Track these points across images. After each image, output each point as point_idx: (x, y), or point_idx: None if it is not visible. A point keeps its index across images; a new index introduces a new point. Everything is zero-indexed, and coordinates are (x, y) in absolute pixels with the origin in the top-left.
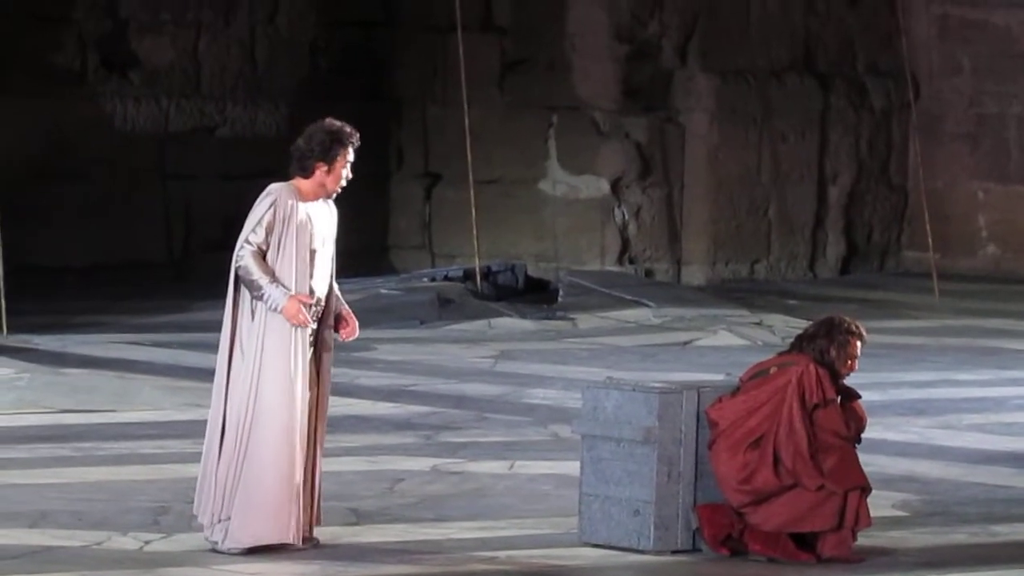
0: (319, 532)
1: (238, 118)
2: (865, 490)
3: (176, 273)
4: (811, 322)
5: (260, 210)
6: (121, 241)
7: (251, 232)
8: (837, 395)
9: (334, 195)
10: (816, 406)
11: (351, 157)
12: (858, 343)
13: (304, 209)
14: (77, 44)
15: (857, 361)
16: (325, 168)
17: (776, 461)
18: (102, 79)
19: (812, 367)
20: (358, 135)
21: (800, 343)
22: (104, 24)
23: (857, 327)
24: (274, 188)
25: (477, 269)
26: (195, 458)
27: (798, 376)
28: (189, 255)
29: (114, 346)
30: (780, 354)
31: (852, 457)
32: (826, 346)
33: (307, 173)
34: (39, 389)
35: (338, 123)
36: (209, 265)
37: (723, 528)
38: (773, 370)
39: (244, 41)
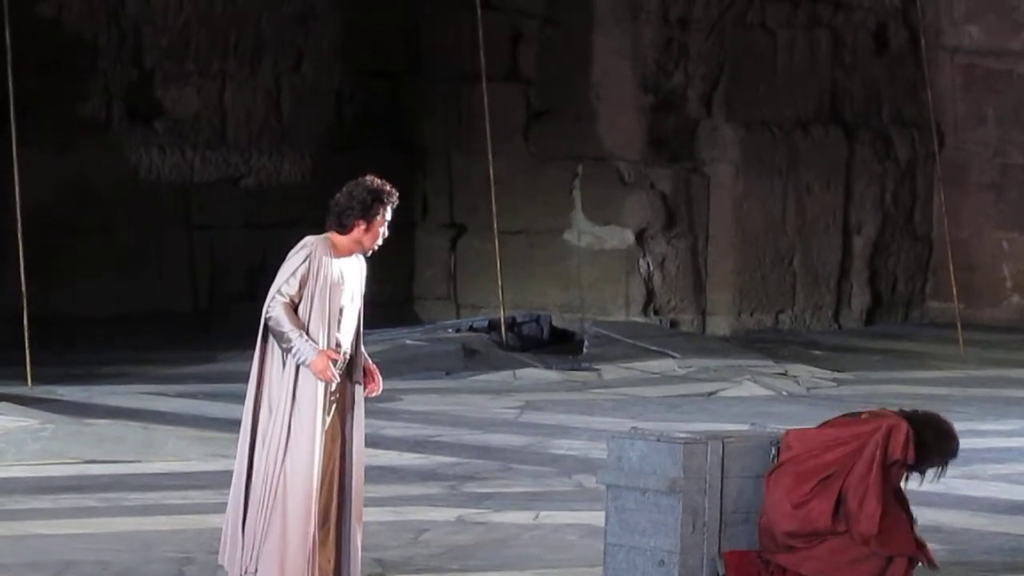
0: None
1: (263, 168)
2: (912, 561)
3: (201, 323)
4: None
5: (295, 262)
6: (147, 291)
7: (284, 283)
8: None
9: (370, 252)
10: (894, 463)
11: (389, 216)
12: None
13: (338, 265)
14: (103, 94)
15: None
16: (364, 226)
17: (838, 503)
18: (127, 129)
19: (905, 426)
20: (397, 195)
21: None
22: (130, 74)
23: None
24: (309, 241)
25: (502, 319)
26: (220, 509)
27: (888, 427)
28: (214, 305)
29: (139, 397)
30: (878, 410)
31: (906, 524)
32: (933, 453)
33: (345, 229)
34: (64, 439)
35: (379, 181)
36: (234, 315)
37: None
38: (864, 415)
39: (270, 90)
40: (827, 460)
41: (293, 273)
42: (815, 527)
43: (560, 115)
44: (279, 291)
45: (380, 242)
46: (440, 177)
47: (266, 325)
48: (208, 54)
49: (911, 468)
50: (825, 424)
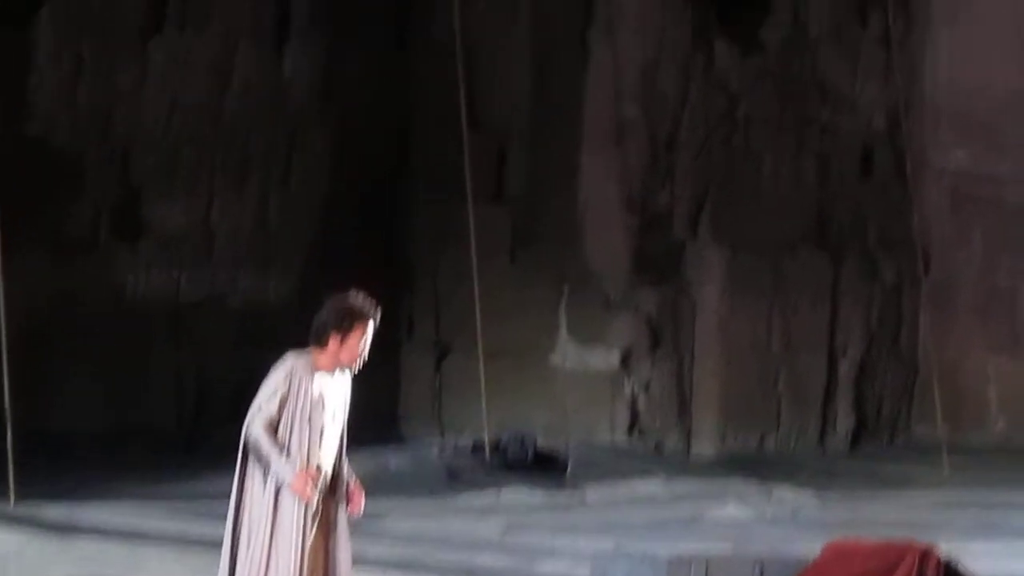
0: None
1: (250, 286)
2: None
3: (187, 442)
4: None
5: (275, 380)
6: (132, 409)
7: (265, 401)
8: None
9: (352, 369)
10: None
11: (370, 332)
12: None
13: (318, 382)
14: (91, 211)
15: None
16: (339, 340)
17: None
18: (114, 247)
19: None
20: (379, 312)
21: None
22: (117, 191)
23: None
24: (290, 357)
25: (487, 440)
26: None
27: (922, 553)
28: (200, 424)
29: (123, 515)
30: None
31: None
32: None
33: (322, 344)
34: (47, 559)
35: (360, 297)
36: (220, 434)
37: None
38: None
39: (256, 206)
40: (855, 572)
41: (273, 392)
42: None
43: (546, 235)
44: (259, 408)
45: (362, 358)
46: (426, 296)
47: (246, 444)
48: (196, 171)
49: None
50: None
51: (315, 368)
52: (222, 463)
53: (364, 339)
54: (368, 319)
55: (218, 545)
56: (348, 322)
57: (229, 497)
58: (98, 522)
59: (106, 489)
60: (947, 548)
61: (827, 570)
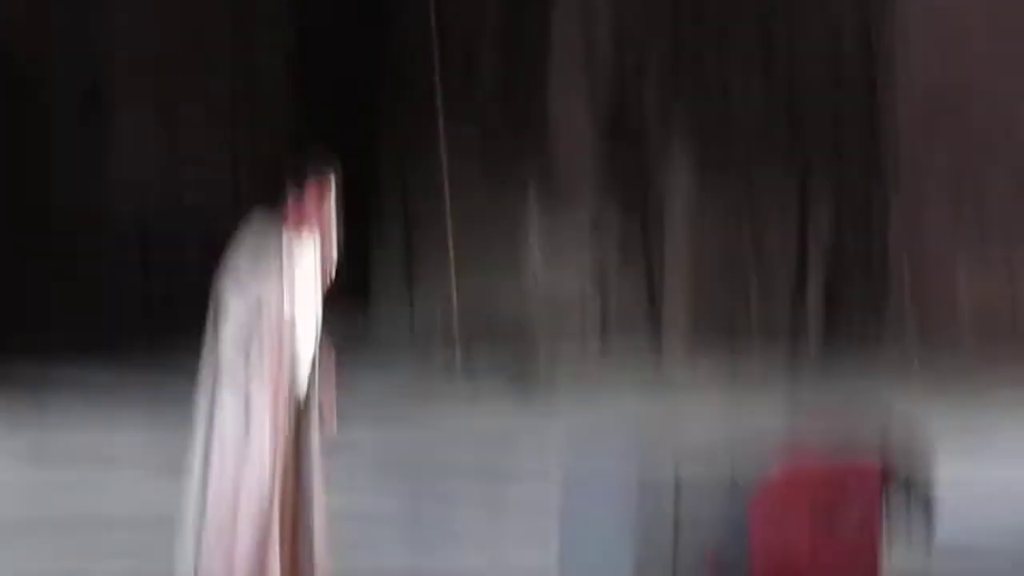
0: None
1: None
2: None
3: None
4: None
5: (247, 264)
6: None
7: (243, 279)
8: None
9: (320, 234)
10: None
11: (331, 194)
12: None
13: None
14: None
15: None
16: (298, 195)
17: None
18: None
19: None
20: (337, 171)
21: None
22: None
23: None
24: (257, 222)
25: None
26: None
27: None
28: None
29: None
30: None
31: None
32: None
33: (286, 210)
34: None
35: (316, 153)
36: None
37: None
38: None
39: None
40: (816, 496)
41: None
42: (805, 560)
43: (515, 152)
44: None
45: (330, 223)
46: (394, 212)
47: (215, 317)
48: None
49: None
50: (802, 456)
51: (288, 236)
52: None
53: (325, 196)
54: (324, 174)
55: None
56: (302, 175)
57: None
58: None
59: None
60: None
61: (789, 496)
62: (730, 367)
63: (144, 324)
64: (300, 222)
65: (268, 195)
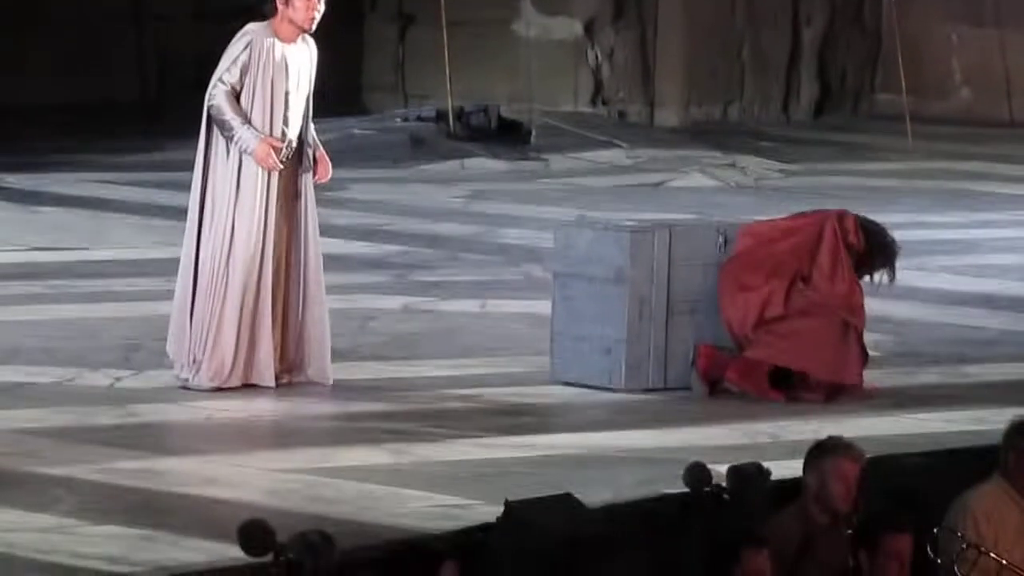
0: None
1: None
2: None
3: (150, 113)
4: None
5: (235, 50)
6: (95, 82)
7: (225, 71)
8: None
9: (308, 30)
10: (849, 247)
11: None
12: None
13: (280, 49)
14: None
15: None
16: (284, 1)
17: (789, 289)
18: None
19: (852, 214)
20: None
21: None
22: None
23: None
24: (250, 28)
25: (450, 110)
26: (167, 296)
27: (837, 213)
28: (163, 95)
29: (87, 185)
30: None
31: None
32: (877, 244)
33: (272, 11)
34: (12, 227)
35: None
36: (183, 105)
37: (717, 368)
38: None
39: None
40: (778, 249)
41: (234, 61)
42: (769, 312)
43: None
44: (220, 79)
45: (316, 16)
46: None
47: (208, 114)
48: None
49: (861, 261)
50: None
51: (277, 38)
52: (185, 134)
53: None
54: None
55: (182, 214)
56: None
57: (193, 167)
58: (62, 192)
59: (70, 160)
60: (907, 218)
61: (752, 255)
62: (723, 122)
63: None
64: (292, 31)
65: None
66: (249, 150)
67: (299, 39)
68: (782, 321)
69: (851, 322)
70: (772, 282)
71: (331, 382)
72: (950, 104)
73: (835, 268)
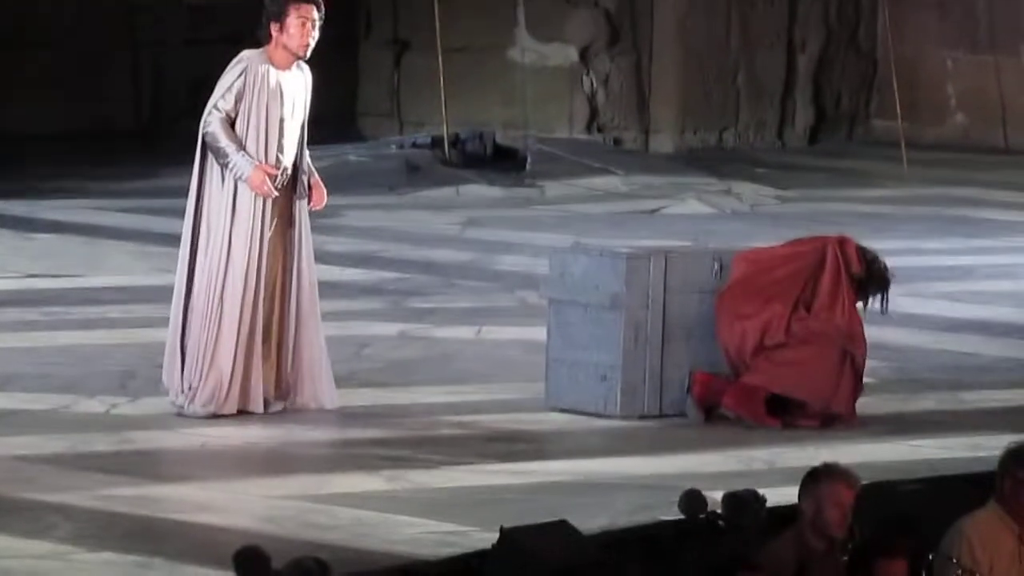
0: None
1: None
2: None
3: (144, 139)
4: None
5: (230, 77)
6: (89, 108)
7: (220, 98)
8: None
9: (303, 56)
10: (850, 275)
11: (313, 16)
12: None
13: (275, 76)
14: None
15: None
16: (278, 27)
17: (791, 316)
18: None
19: (851, 240)
20: None
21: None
22: None
23: None
24: (245, 55)
25: (445, 136)
26: (163, 323)
27: (838, 239)
28: (157, 121)
29: (82, 211)
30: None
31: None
32: (875, 271)
33: (267, 38)
34: (7, 254)
35: None
36: (177, 131)
37: (713, 394)
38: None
39: None
40: (777, 276)
41: (229, 88)
42: (769, 339)
43: None
44: (215, 106)
45: (310, 43)
46: None
47: (203, 141)
48: None
49: (860, 288)
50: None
51: (272, 65)
52: (180, 160)
53: (304, 20)
54: (302, 1)
55: (178, 240)
56: (277, 4)
57: (188, 193)
58: (57, 218)
59: (65, 187)
60: (903, 244)
61: (749, 282)
62: (718, 148)
63: None
64: (287, 58)
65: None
66: (244, 177)
67: (294, 65)
68: (782, 349)
69: (849, 351)
70: (772, 308)
71: (331, 406)
72: (945, 130)
73: (836, 295)
